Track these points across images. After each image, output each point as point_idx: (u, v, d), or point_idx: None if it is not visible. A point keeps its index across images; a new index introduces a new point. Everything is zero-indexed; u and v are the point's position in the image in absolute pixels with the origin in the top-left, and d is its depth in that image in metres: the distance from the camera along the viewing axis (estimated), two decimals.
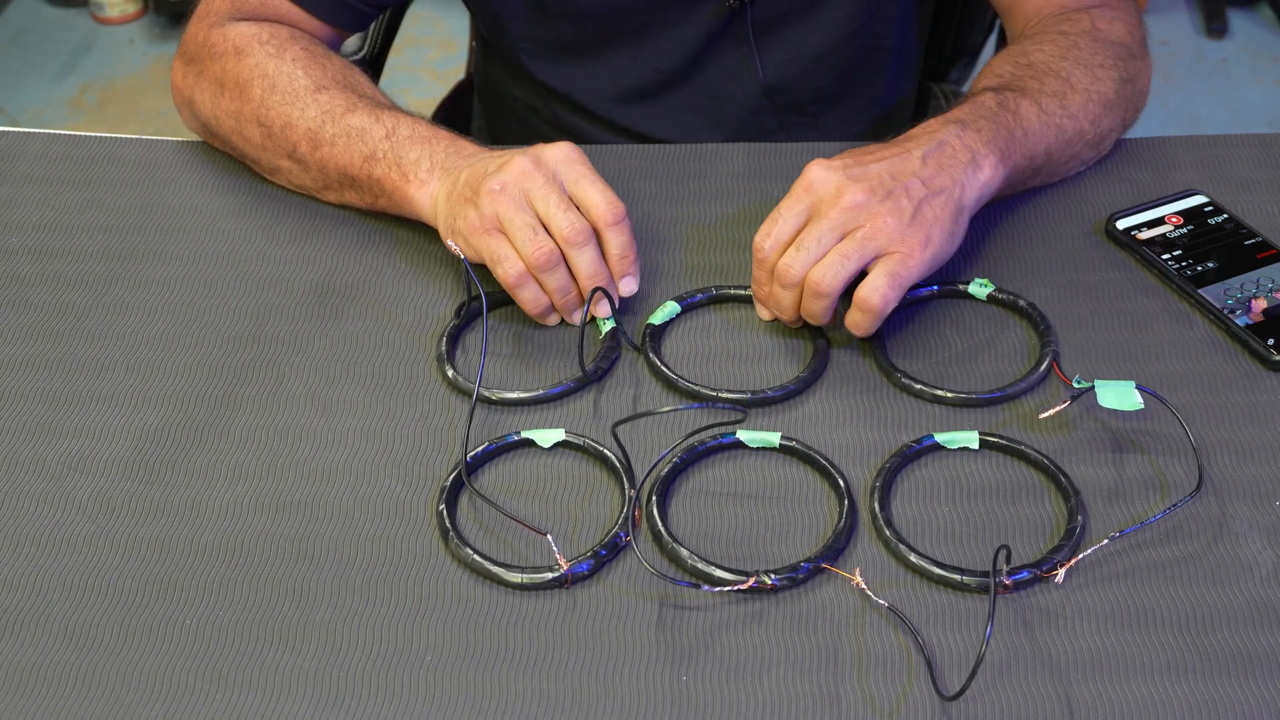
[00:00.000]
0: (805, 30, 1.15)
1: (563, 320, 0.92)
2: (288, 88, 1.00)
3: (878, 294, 0.83)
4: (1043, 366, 0.87)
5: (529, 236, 0.87)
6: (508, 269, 0.88)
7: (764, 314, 0.92)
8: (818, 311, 0.86)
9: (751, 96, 1.19)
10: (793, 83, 1.18)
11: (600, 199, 0.89)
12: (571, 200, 0.89)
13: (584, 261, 0.89)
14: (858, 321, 0.85)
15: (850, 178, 0.86)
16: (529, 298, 0.89)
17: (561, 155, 0.90)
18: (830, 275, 0.84)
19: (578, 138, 1.07)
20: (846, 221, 0.84)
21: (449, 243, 0.86)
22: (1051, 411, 0.82)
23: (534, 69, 1.20)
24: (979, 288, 0.92)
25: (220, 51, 1.03)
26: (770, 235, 0.87)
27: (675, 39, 1.15)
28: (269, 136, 1.00)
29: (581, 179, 0.89)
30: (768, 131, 1.21)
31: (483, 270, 0.97)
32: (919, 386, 0.86)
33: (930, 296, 0.93)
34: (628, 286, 0.91)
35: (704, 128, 1.20)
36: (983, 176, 0.90)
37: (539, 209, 0.88)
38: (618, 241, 0.89)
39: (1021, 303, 0.91)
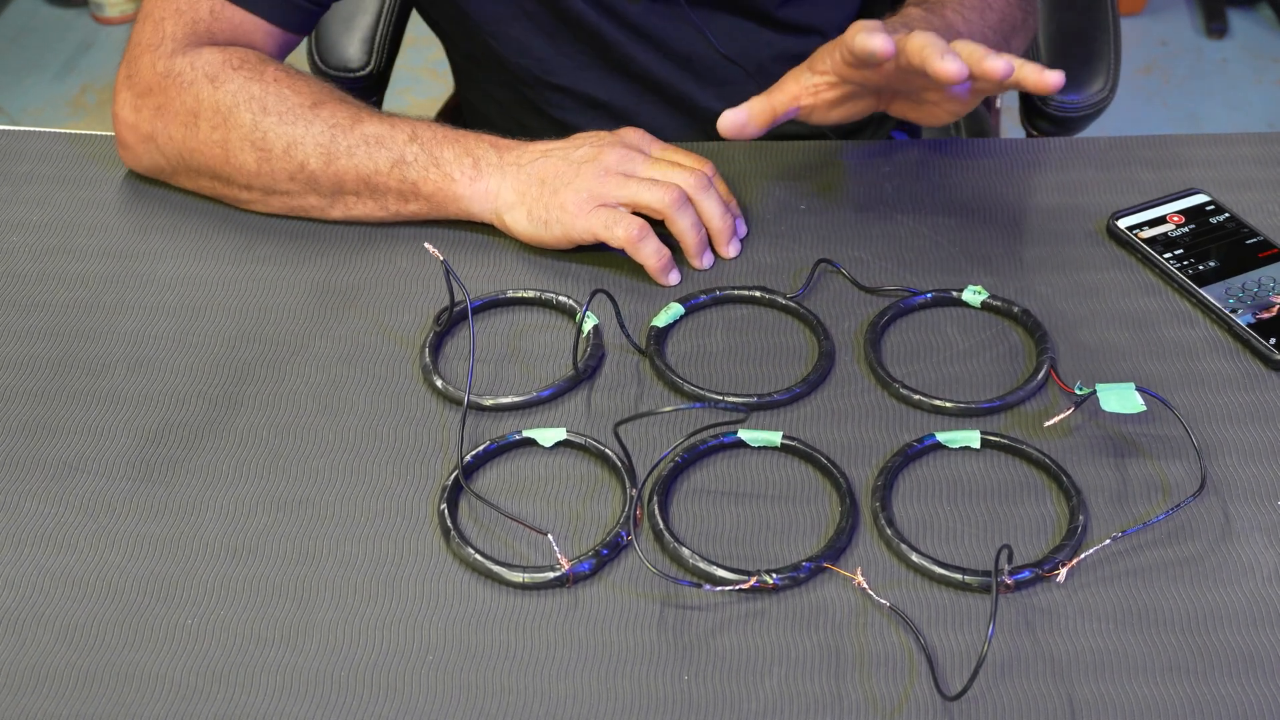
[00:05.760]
0: None
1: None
2: (280, 108, 0.97)
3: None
4: (1040, 374, 0.86)
5: (650, 186, 0.93)
6: (628, 227, 0.92)
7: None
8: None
9: (720, 67, 1.16)
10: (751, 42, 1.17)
11: (690, 159, 0.96)
12: None
13: (711, 203, 0.95)
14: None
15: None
16: (652, 250, 0.93)
17: (638, 138, 0.97)
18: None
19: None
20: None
21: (427, 245, 0.86)
22: (1056, 420, 0.82)
23: (508, 55, 1.17)
24: (973, 295, 0.92)
25: (189, 80, 0.99)
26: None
27: (632, 40, 1.14)
28: (267, 160, 0.97)
29: (665, 149, 0.97)
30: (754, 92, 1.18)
31: (472, 270, 0.97)
32: (917, 397, 0.85)
33: (924, 305, 0.93)
34: (741, 227, 0.98)
35: (694, 123, 1.19)
36: None
37: (650, 176, 0.94)
38: (721, 188, 0.97)
39: (1015, 309, 0.91)
